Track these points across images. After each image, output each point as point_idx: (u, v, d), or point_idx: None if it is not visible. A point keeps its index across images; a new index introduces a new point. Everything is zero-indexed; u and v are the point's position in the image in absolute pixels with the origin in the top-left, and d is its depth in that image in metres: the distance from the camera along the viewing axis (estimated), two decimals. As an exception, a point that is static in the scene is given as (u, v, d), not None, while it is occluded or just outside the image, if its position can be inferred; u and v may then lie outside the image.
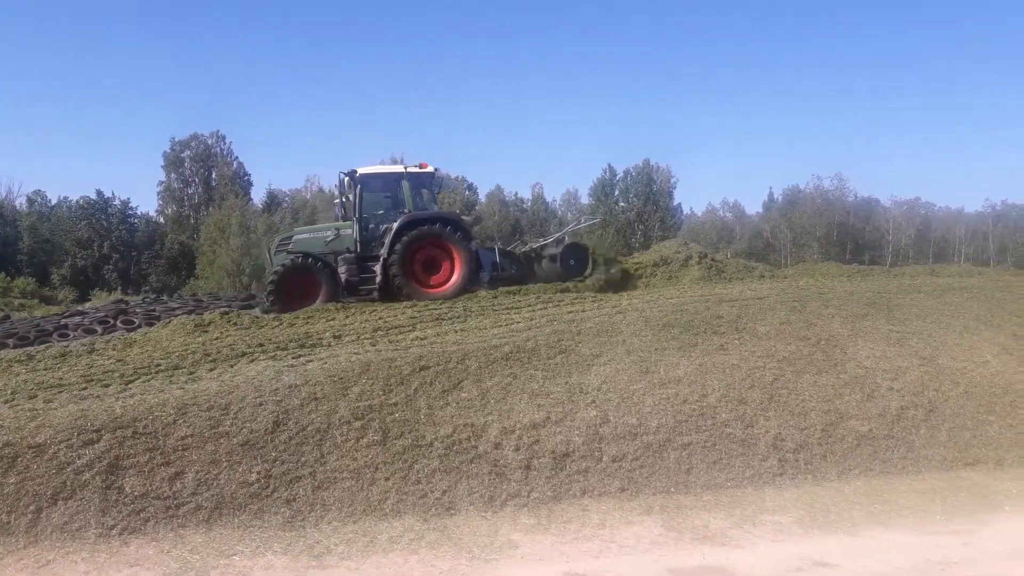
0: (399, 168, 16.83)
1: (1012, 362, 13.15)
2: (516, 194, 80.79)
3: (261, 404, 9.39)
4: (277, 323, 13.62)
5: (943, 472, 10.53)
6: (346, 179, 16.71)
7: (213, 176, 66.79)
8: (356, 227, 16.14)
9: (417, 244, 15.82)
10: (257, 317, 14.25)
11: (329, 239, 16.33)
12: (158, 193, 67.88)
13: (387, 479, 8.85)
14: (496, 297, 15.25)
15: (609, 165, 67.53)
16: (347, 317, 13.89)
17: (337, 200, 18.27)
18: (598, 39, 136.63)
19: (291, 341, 12.04)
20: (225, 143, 67.22)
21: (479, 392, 10.31)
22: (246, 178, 67.34)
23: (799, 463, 10.16)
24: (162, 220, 67.87)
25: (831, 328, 13.24)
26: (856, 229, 70.30)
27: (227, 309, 15.08)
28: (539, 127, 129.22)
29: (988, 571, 7.73)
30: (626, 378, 10.96)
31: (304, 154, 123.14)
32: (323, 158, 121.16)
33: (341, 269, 15.83)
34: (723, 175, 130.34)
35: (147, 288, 52.94)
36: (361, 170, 16.43)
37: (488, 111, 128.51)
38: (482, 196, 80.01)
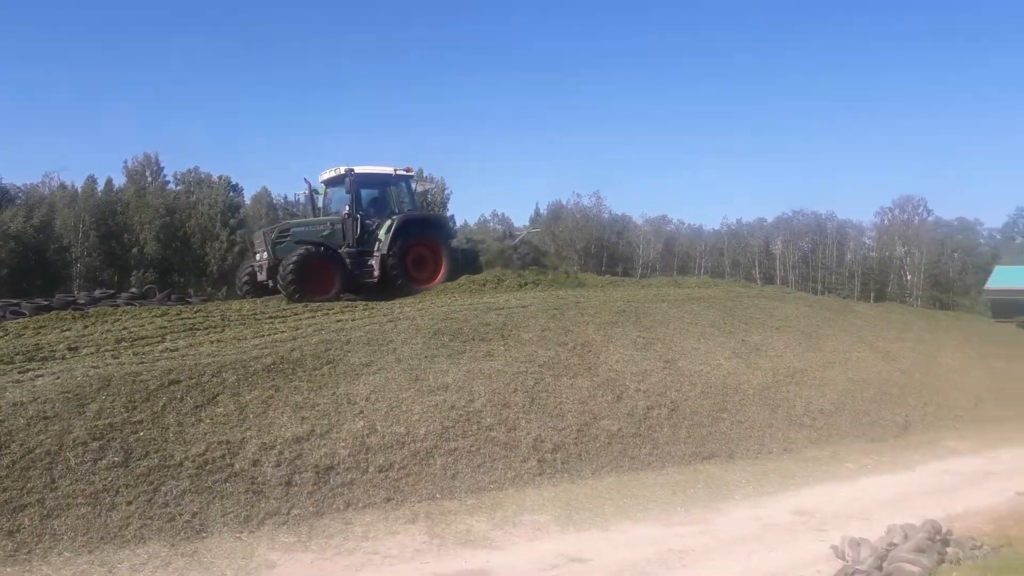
0: (389, 169, 18.13)
1: (741, 365, 14.68)
2: (285, 197, 78.14)
3: (-24, 426, 8.26)
4: (2, 334, 12.07)
5: (684, 466, 11.49)
6: (342, 177, 17.39)
7: (-74, 167, 58.33)
8: (353, 223, 17.19)
9: (411, 243, 17.41)
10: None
11: (325, 232, 17.10)
12: None
13: (129, 503, 8.09)
14: (261, 306, 14.68)
15: (383, 173, 67.32)
16: (85, 327, 12.63)
17: (306, 192, 19.39)
18: (382, 48, 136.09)
19: (17, 354, 10.73)
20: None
21: (236, 407, 9.74)
22: (-31, 171, 59.50)
23: (557, 463, 10.63)
24: None
25: (586, 334, 14.04)
26: (611, 243, 75.71)
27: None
28: (305, 129, 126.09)
29: (720, 555, 8.51)
30: (395, 387, 10.89)
31: (45, 148, 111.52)
32: (64, 152, 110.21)
33: (347, 262, 16.75)
34: (494, 189, 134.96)
35: None
36: (357, 169, 17.40)
37: (250, 107, 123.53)
38: (247, 198, 76.48)
